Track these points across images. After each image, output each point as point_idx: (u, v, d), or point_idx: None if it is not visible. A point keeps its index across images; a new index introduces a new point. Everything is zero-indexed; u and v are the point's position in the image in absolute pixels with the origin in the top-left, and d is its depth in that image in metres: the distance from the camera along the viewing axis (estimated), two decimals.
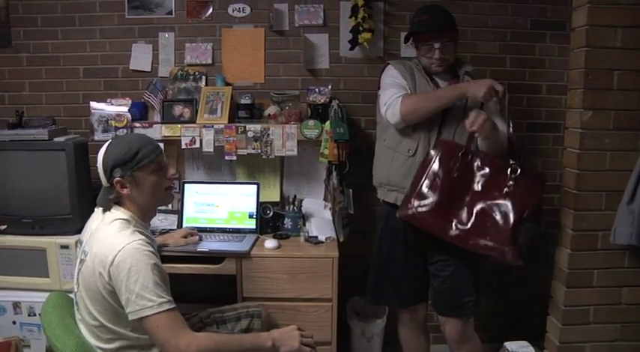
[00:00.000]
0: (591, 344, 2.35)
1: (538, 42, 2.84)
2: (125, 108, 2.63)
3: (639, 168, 2.10)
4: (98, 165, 1.68)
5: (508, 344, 1.66)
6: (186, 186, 2.66)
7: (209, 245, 2.37)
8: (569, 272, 2.28)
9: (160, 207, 2.65)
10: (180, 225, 2.61)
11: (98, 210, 1.73)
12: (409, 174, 2.10)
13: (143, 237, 1.62)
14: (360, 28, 2.66)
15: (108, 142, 1.71)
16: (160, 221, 2.66)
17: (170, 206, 2.75)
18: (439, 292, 2.24)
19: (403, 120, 2.10)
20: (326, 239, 2.45)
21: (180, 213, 2.64)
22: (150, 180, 1.68)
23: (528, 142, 2.83)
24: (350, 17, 2.71)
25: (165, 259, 2.20)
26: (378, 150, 2.31)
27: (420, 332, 2.47)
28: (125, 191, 1.66)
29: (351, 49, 2.74)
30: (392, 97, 2.13)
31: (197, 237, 2.41)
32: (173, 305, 1.56)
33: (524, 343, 1.66)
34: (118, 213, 1.67)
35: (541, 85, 2.86)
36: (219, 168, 2.80)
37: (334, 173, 2.45)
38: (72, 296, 1.76)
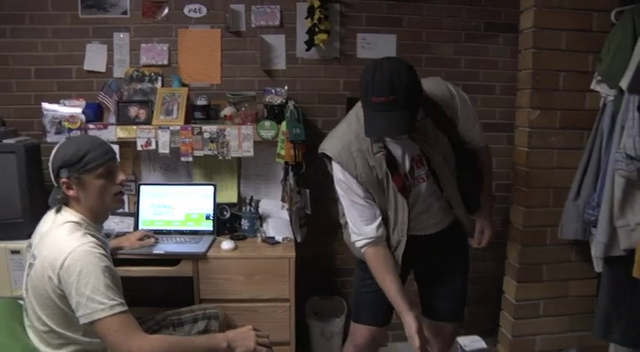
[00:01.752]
0: (542, 337, 2.43)
1: (492, 43, 2.90)
2: (79, 110, 2.58)
3: (584, 165, 2.18)
4: (49, 164, 1.65)
5: (460, 339, 1.69)
6: (142, 188, 2.63)
7: (165, 247, 2.35)
8: (519, 267, 2.35)
9: (115, 210, 2.66)
10: (136, 227, 2.57)
11: (49, 213, 1.70)
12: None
13: (94, 240, 1.60)
14: (316, 29, 2.67)
15: (60, 142, 1.68)
16: (115, 223, 2.62)
17: (127, 208, 2.72)
18: (444, 300, 2.07)
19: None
20: (283, 239, 2.46)
21: (136, 215, 2.60)
22: (97, 184, 1.65)
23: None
24: (306, 18, 2.72)
25: (120, 262, 2.19)
26: None
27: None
28: (71, 193, 1.63)
29: (308, 50, 2.75)
30: (361, 239, 1.85)
31: (153, 240, 2.38)
32: (125, 308, 1.53)
33: (476, 337, 1.69)
34: (68, 215, 1.64)
35: (495, 85, 2.93)
36: (176, 169, 2.78)
37: (291, 173, 2.46)
38: (22, 302, 1.72)
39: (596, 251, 2.12)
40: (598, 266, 2.18)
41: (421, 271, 2.12)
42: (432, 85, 1.79)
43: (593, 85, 2.18)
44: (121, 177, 1.73)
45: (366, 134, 1.67)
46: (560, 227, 2.26)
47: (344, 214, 1.93)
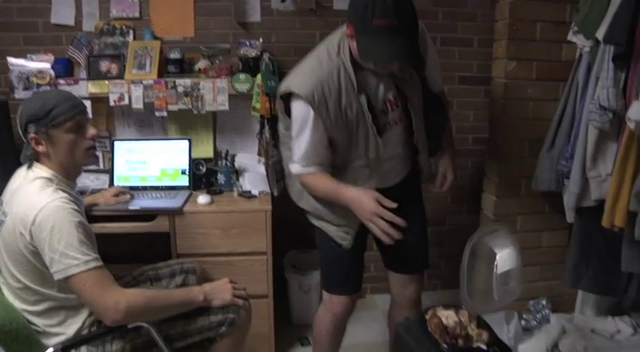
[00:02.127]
0: None
1: None
2: (47, 65, 2.50)
3: (558, 116, 2.19)
4: (17, 120, 1.61)
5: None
6: (117, 144, 2.59)
7: (141, 202, 2.34)
8: (494, 218, 2.38)
9: (90, 167, 2.62)
10: (111, 184, 2.55)
11: (20, 170, 1.66)
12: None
13: (66, 195, 1.57)
14: None
15: (27, 97, 1.64)
16: (90, 181, 2.60)
17: (101, 165, 2.69)
18: (402, 252, 1.97)
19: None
20: (259, 193, 2.45)
21: (111, 172, 2.57)
22: (66, 139, 1.60)
23: (460, 95, 2.88)
24: None
25: (96, 218, 2.18)
26: None
27: (343, 327, 2.17)
28: (40, 148, 1.59)
29: (283, 1, 2.67)
30: (304, 169, 1.75)
31: (128, 196, 2.36)
32: (100, 263, 1.52)
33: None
34: (39, 171, 1.61)
35: (473, 38, 2.89)
36: (151, 125, 2.73)
37: (267, 127, 2.43)
38: None
39: (569, 201, 2.15)
40: (570, 217, 2.22)
41: None
42: None
43: (570, 36, 2.16)
44: (91, 131, 1.68)
45: (363, 57, 1.56)
46: (534, 178, 2.28)
47: (289, 160, 1.84)
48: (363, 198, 1.62)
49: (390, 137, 1.80)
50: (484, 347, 1.47)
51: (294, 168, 1.79)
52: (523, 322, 2.46)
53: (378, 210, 1.57)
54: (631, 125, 1.77)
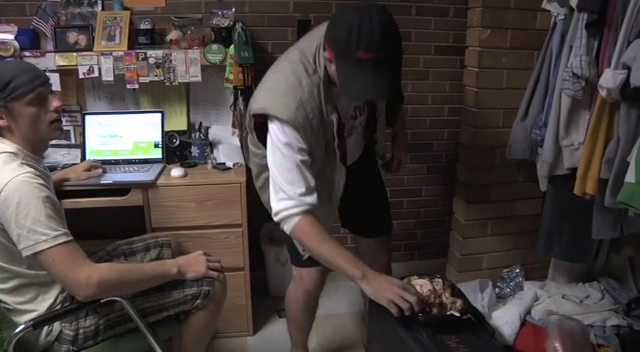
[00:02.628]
0: (489, 255, 2.53)
1: None
2: (11, 36, 2.40)
3: (532, 85, 2.19)
4: None
5: None
6: (87, 117, 2.53)
7: (113, 176, 2.29)
8: (468, 188, 2.39)
9: (60, 142, 2.57)
10: (83, 158, 2.49)
11: None
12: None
13: (32, 170, 1.52)
14: None
15: None
16: (62, 156, 2.54)
17: (73, 140, 2.63)
18: (372, 214, 2.05)
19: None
20: (234, 165, 2.42)
21: (82, 146, 2.51)
22: (27, 112, 1.55)
23: (436, 65, 2.86)
24: None
25: (67, 194, 2.14)
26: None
27: (316, 301, 2.14)
28: (1, 122, 1.53)
29: None
30: (296, 206, 1.57)
31: (100, 170, 2.31)
32: (70, 238, 1.49)
33: None
34: (3, 146, 1.55)
35: (449, 7, 2.86)
36: (123, 97, 2.67)
37: (240, 98, 2.39)
38: None
39: (542, 170, 2.17)
40: (543, 186, 2.25)
41: (355, 193, 1.97)
42: None
43: (545, 4, 2.15)
44: (54, 103, 1.62)
45: (345, 90, 1.49)
46: (508, 147, 2.30)
47: (261, 176, 1.80)
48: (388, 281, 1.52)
49: (353, 139, 1.82)
50: (458, 314, 1.48)
51: (282, 213, 1.61)
52: (497, 290, 2.50)
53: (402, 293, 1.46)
54: (603, 93, 1.78)
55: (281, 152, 1.55)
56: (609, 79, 1.75)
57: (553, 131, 2.07)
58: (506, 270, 2.54)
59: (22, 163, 1.53)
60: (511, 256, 2.53)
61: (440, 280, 1.63)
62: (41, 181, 1.51)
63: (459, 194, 2.47)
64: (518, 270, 2.52)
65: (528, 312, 2.34)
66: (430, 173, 3.01)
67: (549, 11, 2.14)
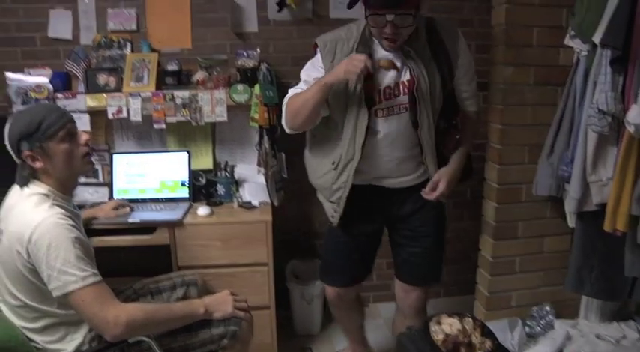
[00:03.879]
0: (517, 292, 2.48)
1: (466, 1, 2.86)
2: (45, 79, 2.50)
3: (557, 121, 2.19)
4: (6, 142, 1.59)
5: None
6: (116, 157, 2.59)
7: (141, 215, 2.33)
8: (495, 225, 2.37)
9: (89, 180, 2.62)
10: (111, 197, 2.55)
11: (16, 187, 1.65)
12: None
13: (62, 211, 1.56)
14: None
15: (11, 117, 1.62)
16: (90, 194, 2.60)
17: (100, 178, 2.69)
18: (410, 263, 2.08)
19: (292, 129, 1.92)
20: (259, 204, 2.45)
21: (110, 185, 2.57)
22: (62, 149, 1.60)
23: None
24: None
25: (95, 232, 2.18)
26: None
27: (354, 307, 2.33)
28: (38, 164, 1.58)
29: (279, 11, 2.69)
30: (285, 100, 1.90)
31: (128, 209, 2.36)
32: (99, 278, 1.52)
33: None
34: (35, 188, 1.60)
35: (470, 44, 2.86)
36: (150, 137, 2.73)
37: (266, 137, 2.43)
38: None
39: (570, 206, 2.14)
40: (571, 222, 2.21)
41: (391, 231, 2.12)
42: (444, 20, 1.90)
43: (567, 41, 2.16)
44: (84, 137, 1.68)
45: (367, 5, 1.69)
46: (534, 184, 2.28)
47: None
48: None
49: (393, 123, 1.84)
50: None
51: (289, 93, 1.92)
52: (527, 329, 2.44)
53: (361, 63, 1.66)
54: (630, 129, 1.77)
55: (305, 68, 1.93)
56: (636, 116, 1.74)
57: (580, 167, 2.05)
58: (535, 308, 2.48)
59: (53, 204, 1.57)
60: (540, 293, 2.47)
61: (470, 319, 1.61)
62: (71, 222, 1.55)
63: (486, 231, 2.44)
64: (548, 308, 2.46)
65: None
66: (455, 208, 2.99)
67: (572, 48, 2.15)
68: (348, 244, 2.08)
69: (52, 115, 1.59)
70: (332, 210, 1.99)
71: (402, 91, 1.81)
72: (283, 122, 1.93)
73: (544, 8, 2.21)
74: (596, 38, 1.94)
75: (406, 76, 1.79)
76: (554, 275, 2.45)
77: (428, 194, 1.90)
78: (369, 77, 1.74)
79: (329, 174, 1.95)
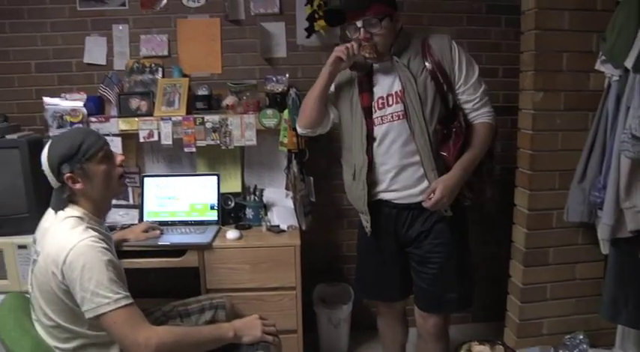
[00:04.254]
0: (549, 320, 2.42)
1: (494, 26, 2.88)
2: (80, 103, 2.57)
3: (589, 147, 2.16)
4: (44, 167, 1.63)
5: None
6: (146, 179, 2.63)
7: (170, 238, 2.36)
8: (526, 251, 2.34)
9: (120, 202, 2.66)
10: (141, 219, 2.58)
11: (50, 210, 1.69)
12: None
13: (96, 234, 1.59)
14: (316, 16, 2.67)
15: (48, 143, 1.66)
16: (120, 216, 2.63)
17: (131, 200, 2.73)
18: (422, 289, 2.08)
19: (300, 126, 2.13)
20: (288, 227, 2.46)
21: (140, 207, 2.61)
22: (100, 170, 1.65)
23: None
24: (306, 5, 2.71)
25: (126, 254, 2.20)
26: None
27: (397, 323, 2.34)
28: (78, 186, 1.62)
29: (308, 36, 2.74)
30: None
31: (158, 231, 2.38)
32: (130, 301, 1.54)
33: None
34: (70, 211, 1.64)
35: (498, 68, 2.90)
36: (180, 160, 2.78)
37: (294, 161, 2.46)
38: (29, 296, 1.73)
39: (603, 233, 2.10)
40: (605, 249, 2.17)
41: (405, 254, 2.10)
42: (436, 35, 1.97)
43: (598, 65, 2.15)
44: (119, 158, 1.75)
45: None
46: (565, 210, 2.24)
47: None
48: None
49: (388, 130, 1.94)
50: None
51: None
52: None
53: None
54: None
55: None
56: None
57: (613, 193, 2.01)
58: (568, 337, 2.42)
59: (87, 227, 1.60)
60: (573, 321, 2.42)
61: (501, 347, 1.59)
62: (104, 245, 1.58)
63: (516, 257, 2.40)
64: (581, 337, 2.40)
65: None
66: (484, 233, 2.96)
67: (603, 73, 2.13)
68: (378, 258, 2.13)
69: (90, 137, 1.64)
70: (364, 220, 2.06)
71: (394, 101, 1.93)
72: (297, 123, 2.13)
73: (574, 33, 2.21)
74: (629, 63, 1.93)
75: (398, 87, 1.92)
76: (587, 303, 2.40)
77: (426, 202, 1.90)
78: (365, 87, 1.96)
79: (352, 186, 2.04)
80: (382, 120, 1.95)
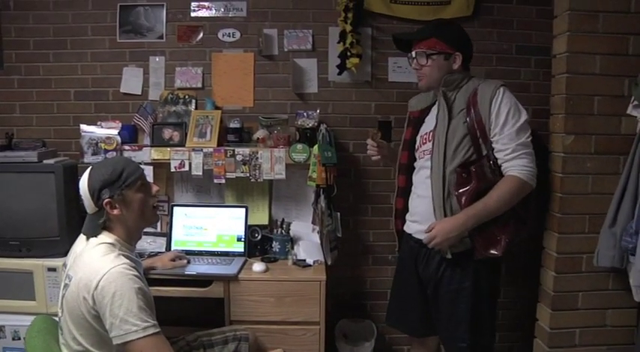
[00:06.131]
0: None
1: (523, 66, 2.90)
2: (115, 131, 2.64)
3: (620, 191, 2.14)
4: (82, 191, 1.68)
5: None
6: (175, 209, 2.67)
7: (197, 268, 2.37)
8: (554, 294, 2.29)
9: (148, 230, 2.69)
10: (168, 248, 2.61)
11: (82, 236, 1.73)
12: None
13: (128, 261, 1.62)
14: (348, 53, 2.71)
15: (89, 169, 1.71)
16: (148, 244, 2.66)
17: (159, 228, 2.76)
18: (440, 330, 2.14)
19: None
20: (314, 262, 2.46)
21: (168, 235, 2.64)
22: (137, 198, 1.70)
23: None
24: (338, 42, 2.76)
25: (152, 282, 2.21)
26: None
27: None
28: (115, 212, 1.66)
29: (340, 73, 2.78)
30: None
31: (185, 261, 2.41)
32: (158, 330, 1.56)
33: None
34: (103, 237, 1.68)
35: (527, 108, 2.88)
36: (209, 191, 2.82)
37: (322, 196, 2.47)
38: (57, 319, 1.76)
39: (635, 279, 2.06)
40: (637, 296, 2.12)
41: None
42: (487, 82, 2.03)
43: (630, 110, 2.14)
44: (155, 188, 1.81)
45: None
46: (595, 254, 2.21)
47: None
48: None
49: (421, 166, 2.11)
50: None
51: None
52: None
53: None
54: None
55: None
56: None
57: None
58: None
59: (119, 254, 1.63)
60: None
61: None
62: (136, 273, 1.61)
63: (543, 300, 2.36)
64: None
65: None
66: (509, 274, 2.92)
67: (635, 117, 2.13)
68: (402, 287, 2.22)
69: (130, 166, 1.70)
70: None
71: (429, 139, 2.05)
72: None
73: (605, 77, 2.21)
74: None
75: (432, 126, 2.05)
76: (619, 351, 2.34)
77: (425, 237, 1.98)
78: (411, 123, 2.22)
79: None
80: (423, 154, 2.09)
